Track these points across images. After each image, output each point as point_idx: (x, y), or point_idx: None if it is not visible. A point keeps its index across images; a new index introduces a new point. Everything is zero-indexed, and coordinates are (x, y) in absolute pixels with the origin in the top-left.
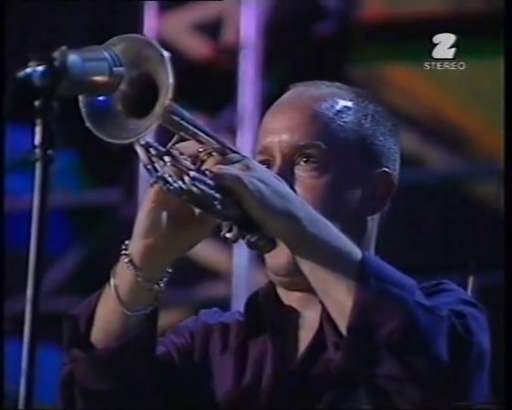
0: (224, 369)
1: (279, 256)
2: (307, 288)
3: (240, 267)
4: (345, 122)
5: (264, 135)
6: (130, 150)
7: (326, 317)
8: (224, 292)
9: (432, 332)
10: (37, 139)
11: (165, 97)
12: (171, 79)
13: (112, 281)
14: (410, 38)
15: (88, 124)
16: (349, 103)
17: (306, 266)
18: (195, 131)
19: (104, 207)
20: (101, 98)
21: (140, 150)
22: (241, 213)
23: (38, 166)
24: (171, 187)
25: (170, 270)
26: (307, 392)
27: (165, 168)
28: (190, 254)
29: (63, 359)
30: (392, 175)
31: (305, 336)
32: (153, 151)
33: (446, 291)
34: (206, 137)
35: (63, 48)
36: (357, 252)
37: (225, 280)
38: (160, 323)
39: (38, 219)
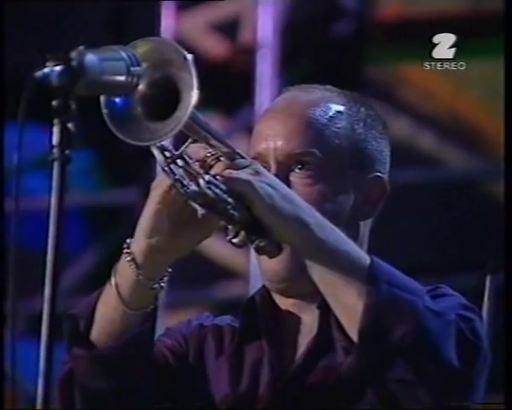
0: (220, 373)
1: (274, 263)
2: (302, 295)
3: (257, 267)
4: (338, 128)
5: (258, 141)
6: (146, 151)
7: (334, 321)
8: (242, 292)
9: (441, 336)
10: (55, 139)
11: (190, 102)
12: (195, 84)
13: (113, 279)
14: (427, 37)
15: (109, 125)
16: (341, 108)
17: (315, 271)
18: (207, 135)
19: (121, 206)
20: (121, 100)
21: (156, 152)
22: (251, 218)
23: (56, 166)
24: (188, 190)
25: (170, 269)
26: (304, 397)
27: (180, 170)
28: (208, 254)
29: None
30: (385, 179)
31: (302, 341)
32: (167, 154)
33: (446, 296)
34: (216, 141)
35: (81, 48)
36: (365, 257)
37: (243, 280)
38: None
39: (56, 218)
